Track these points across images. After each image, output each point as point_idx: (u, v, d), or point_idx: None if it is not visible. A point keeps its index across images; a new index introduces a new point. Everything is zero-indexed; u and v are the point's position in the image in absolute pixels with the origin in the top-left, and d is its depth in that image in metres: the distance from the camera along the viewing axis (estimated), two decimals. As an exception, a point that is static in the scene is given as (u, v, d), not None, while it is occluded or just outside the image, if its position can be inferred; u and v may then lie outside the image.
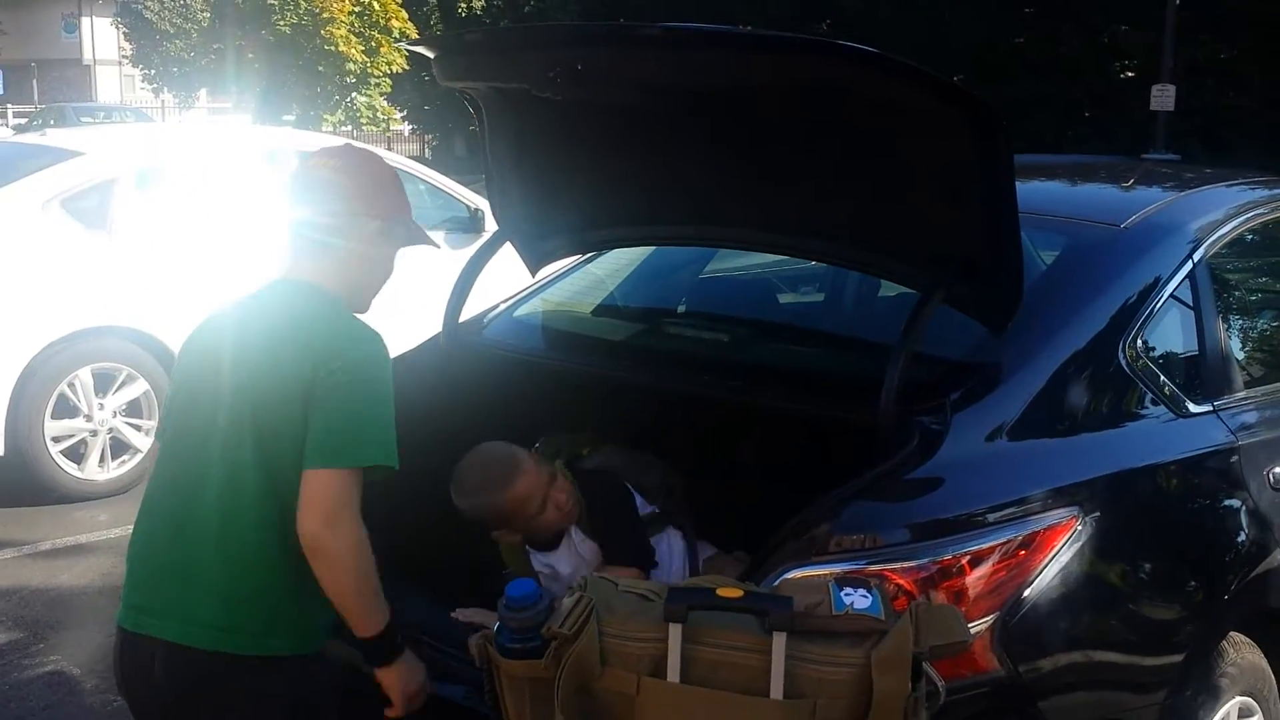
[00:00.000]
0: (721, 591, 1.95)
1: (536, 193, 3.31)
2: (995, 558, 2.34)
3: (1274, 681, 2.90)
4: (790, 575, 2.26)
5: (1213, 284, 3.12)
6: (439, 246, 2.58)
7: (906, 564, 2.28)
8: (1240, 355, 3.19)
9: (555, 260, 3.63)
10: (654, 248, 3.85)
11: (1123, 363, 2.78)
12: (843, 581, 2.01)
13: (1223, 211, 3.31)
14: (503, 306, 3.67)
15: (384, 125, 20.34)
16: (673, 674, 1.91)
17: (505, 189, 3.34)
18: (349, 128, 18.37)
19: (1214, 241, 3.16)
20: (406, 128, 29.91)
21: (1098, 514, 2.49)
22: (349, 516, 2.14)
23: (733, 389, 2.94)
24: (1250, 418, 3.00)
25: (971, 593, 2.30)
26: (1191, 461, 2.81)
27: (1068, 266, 3.04)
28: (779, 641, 1.88)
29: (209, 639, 2.17)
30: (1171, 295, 2.98)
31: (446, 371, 3.35)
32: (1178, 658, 2.60)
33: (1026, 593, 2.35)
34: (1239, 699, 2.78)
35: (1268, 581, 2.85)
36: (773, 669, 1.88)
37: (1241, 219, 3.33)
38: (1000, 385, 2.65)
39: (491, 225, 7.87)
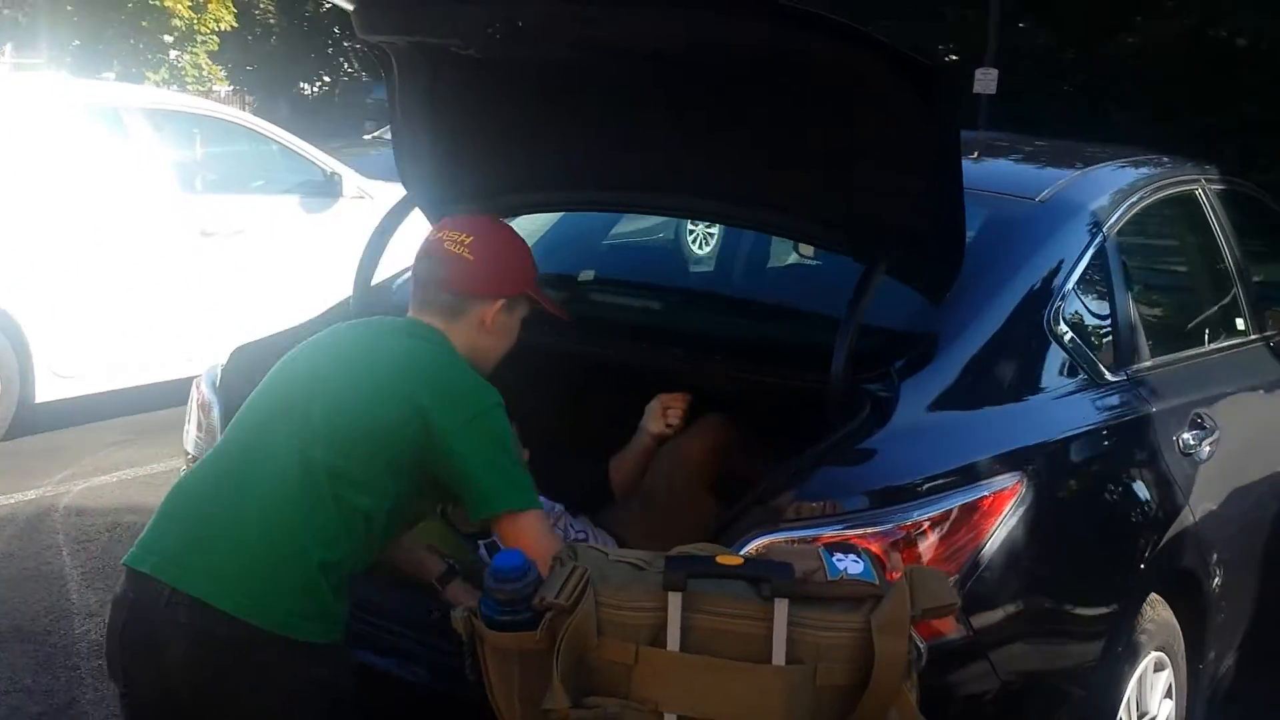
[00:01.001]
0: (721, 559, 1.93)
1: (448, 155, 3.21)
2: (952, 521, 2.38)
3: (1182, 637, 3.03)
4: (757, 542, 2.26)
5: (1122, 257, 3.23)
6: (567, 318, 2.65)
7: (872, 529, 2.30)
8: (1150, 325, 3.32)
9: (466, 225, 3.54)
10: (561, 213, 3.79)
11: (1049, 332, 2.86)
12: (832, 548, 2.02)
13: (1126, 186, 3.44)
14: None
15: (209, 85, 19.59)
16: (672, 643, 1.89)
17: (415, 150, 3.23)
18: (174, 86, 17.64)
19: (1120, 216, 3.28)
20: (223, 88, 28.92)
21: (1037, 479, 2.55)
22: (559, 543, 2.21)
23: (674, 357, 2.92)
24: (1161, 386, 3.13)
25: (934, 556, 2.33)
26: (1112, 429, 2.91)
27: (991, 239, 3.09)
28: (781, 608, 1.87)
29: (241, 607, 2.08)
30: (1087, 267, 3.08)
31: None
32: (1111, 615, 2.70)
33: (980, 555, 2.40)
34: (1154, 654, 2.90)
35: (1179, 542, 2.98)
36: (774, 635, 1.87)
37: (1140, 194, 3.46)
38: (940, 354, 2.70)
39: (351, 190, 7.73)
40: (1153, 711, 2.97)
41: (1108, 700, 2.73)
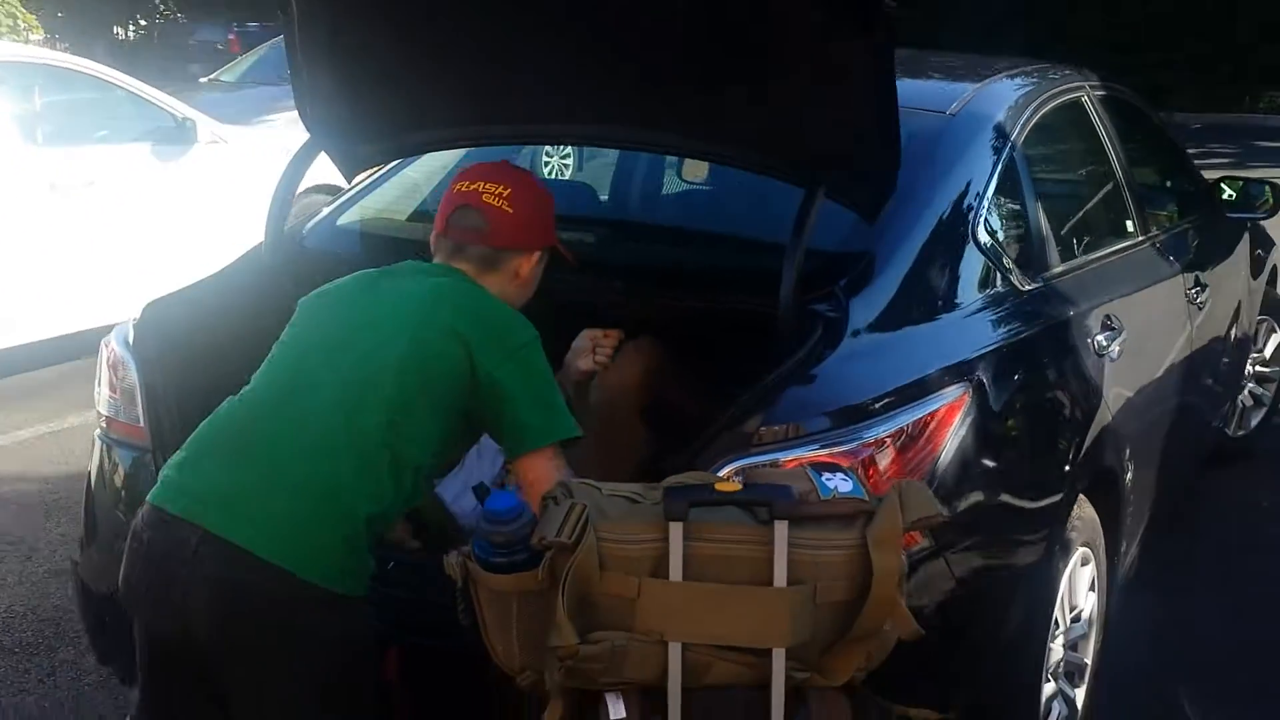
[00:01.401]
0: (720, 486, 1.94)
1: (352, 95, 3.10)
2: (911, 435, 2.43)
3: (1101, 531, 3.15)
4: (731, 467, 2.27)
5: (1028, 167, 3.30)
6: (575, 264, 2.59)
7: (839, 448, 2.33)
8: (1056, 233, 3.40)
9: (372, 166, 3.45)
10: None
11: (975, 244, 2.92)
12: (819, 468, 2.04)
13: (1023, 97, 3.50)
14: (325, 212, 3.46)
15: (24, 35, 18.60)
16: (674, 573, 1.89)
17: (315, 91, 3.11)
18: (-12, 35, 16.71)
19: (1022, 126, 3.35)
20: (38, 37, 27.59)
21: (980, 389, 2.62)
22: None
23: (612, 290, 2.90)
24: (1073, 291, 3.22)
25: (896, 470, 2.38)
26: (1039, 335, 2.99)
27: (912, 154, 3.10)
28: (781, 530, 1.89)
29: (282, 555, 2.02)
30: (1000, 179, 3.13)
31: (278, 285, 3.13)
32: (1050, 515, 2.80)
33: (938, 466, 2.46)
34: (1081, 550, 3.02)
35: (1101, 441, 3.09)
36: (776, 557, 1.88)
37: (1036, 104, 3.52)
38: (881, 271, 2.73)
39: (205, 136, 7.44)
40: (1081, 605, 3.10)
41: (1045, 596, 2.84)
